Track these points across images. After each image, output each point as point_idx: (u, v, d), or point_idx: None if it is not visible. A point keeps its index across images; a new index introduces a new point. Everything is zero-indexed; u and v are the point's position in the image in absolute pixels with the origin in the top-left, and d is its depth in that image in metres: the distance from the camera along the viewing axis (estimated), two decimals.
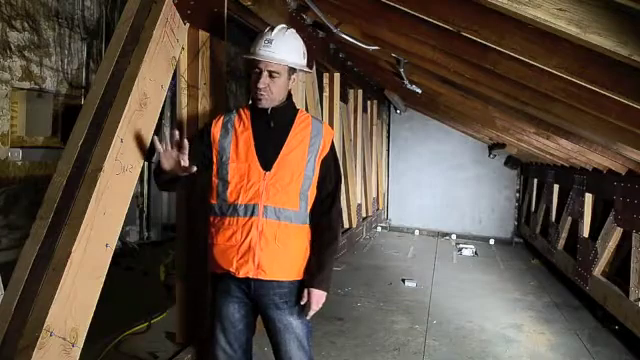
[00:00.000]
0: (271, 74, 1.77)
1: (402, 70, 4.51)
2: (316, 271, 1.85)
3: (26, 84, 4.38)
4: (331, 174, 1.89)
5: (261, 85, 1.77)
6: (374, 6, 2.82)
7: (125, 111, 1.84)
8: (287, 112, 1.87)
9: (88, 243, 1.68)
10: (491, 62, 2.63)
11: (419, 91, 5.40)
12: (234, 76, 7.36)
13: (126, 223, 4.29)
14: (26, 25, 4.35)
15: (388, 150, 8.78)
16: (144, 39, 1.99)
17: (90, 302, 1.72)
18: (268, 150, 1.80)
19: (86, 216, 1.67)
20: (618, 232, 4.05)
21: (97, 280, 1.76)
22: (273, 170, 1.78)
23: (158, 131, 6.02)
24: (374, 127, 7.83)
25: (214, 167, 1.84)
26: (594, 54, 1.63)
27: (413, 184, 8.50)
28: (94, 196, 1.71)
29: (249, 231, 1.75)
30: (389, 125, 8.85)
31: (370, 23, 3.48)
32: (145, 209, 6.04)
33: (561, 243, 5.61)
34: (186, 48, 2.38)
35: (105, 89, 1.93)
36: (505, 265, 6.32)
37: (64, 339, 1.60)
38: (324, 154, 1.86)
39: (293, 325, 1.83)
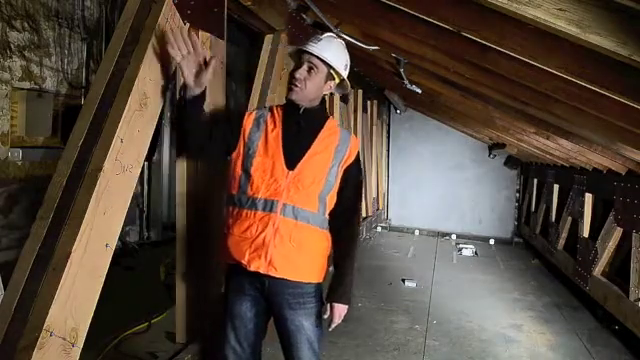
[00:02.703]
0: (310, 69, 1.82)
1: (402, 70, 4.51)
2: (337, 285, 1.91)
3: (26, 84, 4.37)
4: (353, 184, 1.91)
5: (298, 75, 1.81)
6: (374, 6, 2.82)
7: (125, 111, 1.84)
8: (318, 116, 1.91)
9: (88, 243, 1.68)
10: (491, 62, 2.63)
11: (419, 91, 5.40)
12: (234, 76, 7.36)
13: (126, 223, 4.28)
14: (26, 25, 4.35)
15: (388, 150, 8.77)
16: (144, 39, 1.98)
17: (90, 302, 1.72)
18: (294, 150, 1.82)
19: (86, 216, 1.67)
20: (618, 232, 4.05)
21: (97, 280, 1.75)
22: (297, 170, 1.79)
23: (158, 131, 6.02)
24: (374, 127, 7.82)
25: (240, 158, 1.85)
26: (594, 54, 1.63)
27: (413, 184, 8.50)
28: (94, 196, 1.70)
29: (265, 226, 1.76)
30: (389, 125, 8.85)
31: (370, 23, 3.48)
32: (145, 209, 6.04)
33: (561, 243, 5.61)
34: None
35: (105, 89, 1.93)
36: (505, 265, 6.33)
37: (64, 339, 1.60)
38: (348, 163, 1.88)
39: (305, 327, 1.83)
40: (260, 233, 1.76)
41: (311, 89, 1.83)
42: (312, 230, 1.82)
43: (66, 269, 1.59)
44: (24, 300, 1.60)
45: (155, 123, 2.07)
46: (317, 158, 1.83)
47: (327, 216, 1.88)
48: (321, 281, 1.91)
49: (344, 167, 1.87)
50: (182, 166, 2.47)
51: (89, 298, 1.72)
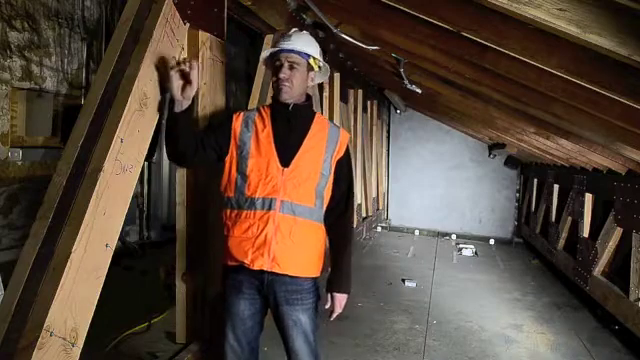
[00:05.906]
0: (291, 65, 1.86)
1: (402, 70, 4.51)
2: (336, 276, 1.98)
3: (26, 84, 4.37)
4: (344, 177, 1.97)
5: (282, 75, 1.85)
6: (374, 6, 2.82)
7: (125, 111, 1.84)
8: (306, 112, 1.95)
9: (88, 243, 1.68)
10: (491, 62, 2.63)
11: (419, 91, 5.39)
12: (234, 76, 7.36)
13: (126, 223, 4.28)
14: (26, 25, 4.35)
15: (388, 150, 8.77)
16: (144, 39, 1.99)
17: (90, 302, 1.72)
18: (287, 147, 1.86)
19: (86, 216, 1.67)
20: (618, 232, 4.05)
21: (97, 280, 1.76)
22: (291, 166, 1.83)
23: (158, 131, 6.01)
24: (374, 127, 7.82)
25: (234, 161, 1.88)
26: (594, 54, 1.64)
27: (413, 184, 8.50)
28: (94, 196, 1.70)
29: (265, 225, 1.80)
30: (389, 125, 8.85)
31: (370, 23, 3.48)
32: (145, 209, 6.03)
33: (561, 243, 5.61)
34: (186, 48, 2.38)
35: (105, 89, 1.93)
36: (505, 265, 6.32)
37: (64, 339, 1.60)
38: (339, 156, 1.94)
39: (302, 321, 1.88)
40: (261, 232, 1.80)
41: (298, 85, 1.88)
42: (310, 225, 1.87)
43: (66, 269, 1.59)
44: (24, 300, 1.59)
45: (155, 123, 2.08)
46: (310, 153, 1.87)
47: (324, 210, 1.93)
48: (319, 275, 1.95)
49: (336, 159, 1.92)
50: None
51: (89, 298, 1.72)
